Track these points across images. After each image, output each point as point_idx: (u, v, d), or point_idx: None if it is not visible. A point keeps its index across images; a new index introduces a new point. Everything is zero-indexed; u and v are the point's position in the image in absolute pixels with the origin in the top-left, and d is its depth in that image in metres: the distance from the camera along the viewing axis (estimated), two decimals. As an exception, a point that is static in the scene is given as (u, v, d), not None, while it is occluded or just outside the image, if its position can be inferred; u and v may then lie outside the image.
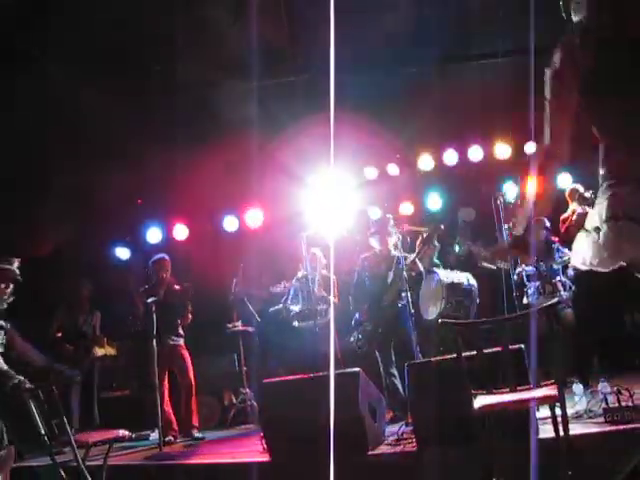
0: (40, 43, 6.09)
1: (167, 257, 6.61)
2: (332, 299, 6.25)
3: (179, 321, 6.42)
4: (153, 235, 8.22)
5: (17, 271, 4.51)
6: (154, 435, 6.20)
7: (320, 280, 6.48)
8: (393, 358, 5.57)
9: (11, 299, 4.51)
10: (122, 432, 4.24)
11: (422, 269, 5.89)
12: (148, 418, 6.26)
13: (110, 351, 7.23)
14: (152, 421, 5.99)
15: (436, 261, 6.41)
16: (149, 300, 5.98)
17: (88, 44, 6.10)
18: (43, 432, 3.80)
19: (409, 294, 5.53)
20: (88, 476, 3.77)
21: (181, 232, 8.11)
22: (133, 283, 7.76)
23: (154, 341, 5.78)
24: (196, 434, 6.12)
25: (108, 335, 7.32)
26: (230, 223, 8.04)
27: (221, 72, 6.44)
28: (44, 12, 5.83)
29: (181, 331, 6.45)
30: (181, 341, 6.40)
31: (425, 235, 5.72)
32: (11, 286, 4.47)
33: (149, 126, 7.14)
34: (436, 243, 5.84)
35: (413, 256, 5.70)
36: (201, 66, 6.49)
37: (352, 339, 5.90)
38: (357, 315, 5.93)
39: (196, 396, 6.32)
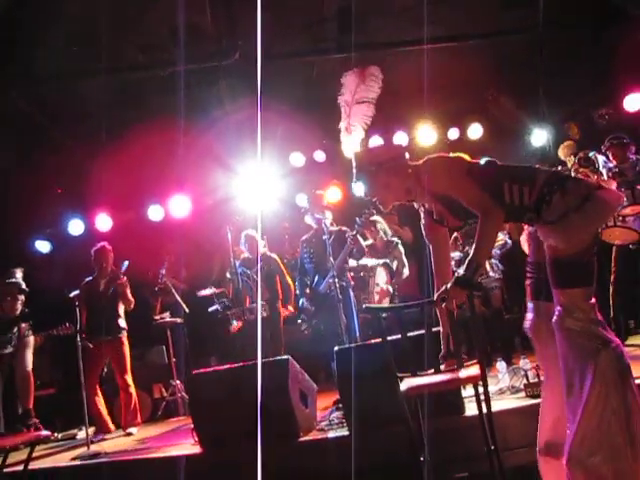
0: None
1: (108, 246, 6.38)
2: (260, 281, 6.21)
3: (121, 313, 6.25)
4: (75, 226, 7.91)
5: (21, 282, 4.32)
6: (82, 434, 6.02)
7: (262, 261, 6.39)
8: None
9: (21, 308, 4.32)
10: (44, 433, 4.05)
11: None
12: (76, 416, 6.06)
13: None
14: (79, 419, 5.81)
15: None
16: (72, 295, 5.78)
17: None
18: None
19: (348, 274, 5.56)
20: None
21: (104, 222, 7.84)
22: (56, 277, 7.50)
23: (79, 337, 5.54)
24: (130, 429, 6.00)
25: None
26: (155, 212, 7.83)
27: (142, 55, 6.23)
28: None
29: (123, 324, 6.27)
30: (123, 334, 6.22)
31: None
32: (20, 297, 4.29)
33: (69, 111, 6.86)
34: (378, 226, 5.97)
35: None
36: (122, 49, 6.25)
37: (299, 321, 5.91)
38: (302, 301, 5.93)
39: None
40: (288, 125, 6.68)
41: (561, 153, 6.60)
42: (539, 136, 7.58)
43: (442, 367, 2.90)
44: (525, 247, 3.09)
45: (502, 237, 6.08)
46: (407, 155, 3.05)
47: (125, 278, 6.03)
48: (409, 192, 2.97)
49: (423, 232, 3.12)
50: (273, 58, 6.22)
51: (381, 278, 6.24)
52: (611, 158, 5.74)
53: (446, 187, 2.85)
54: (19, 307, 4.28)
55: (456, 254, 5.67)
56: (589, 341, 2.66)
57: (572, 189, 2.75)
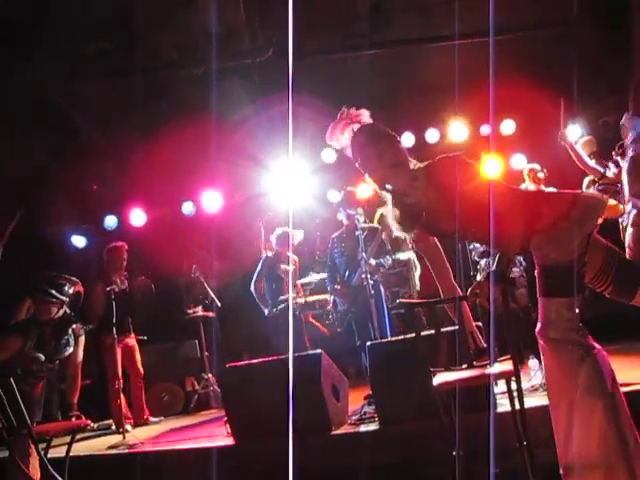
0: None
1: (125, 245, 6.46)
2: (290, 278, 6.24)
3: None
4: (110, 221, 8.07)
5: (56, 294, 4.41)
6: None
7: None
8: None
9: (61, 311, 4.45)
10: (83, 421, 4.18)
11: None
12: (110, 408, 6.21)
13: None
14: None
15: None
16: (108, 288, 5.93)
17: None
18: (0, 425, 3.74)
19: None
20: (51, 469, 3.72)
21: (138, 217, 7.99)
22: (91, 271, 7.66)
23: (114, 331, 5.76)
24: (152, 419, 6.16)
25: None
26: (188, 207, 7.95)
27: (177, 54, 6.32)
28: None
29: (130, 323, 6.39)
30: (132, 332, 6.37)
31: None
32: (53, 302, 4.40)
33: (104, 110, 6.99)
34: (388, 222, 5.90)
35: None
36: (157, 48, 6.36)
37: (327, 322, 5.91)
38: (333, 298, 5.93)
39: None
40: (320, 121, 6.70)
41: (580, 149, 6.50)
42: (573, 132, 7.48)
43: (475, 363, 2.90)
44: None
45: None
46: None
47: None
48: (415, 179, 2.84)
49: (410, 244, 3.05)
50: (305, 55, 6.25)
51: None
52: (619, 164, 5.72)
53: (467, 183, 2.75)
54: (54, 313, 4.39)
55: (477, 245, 5.65)
56: (573, 350, 2.63)
57: (557, 199, 2.80)
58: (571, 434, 2.63)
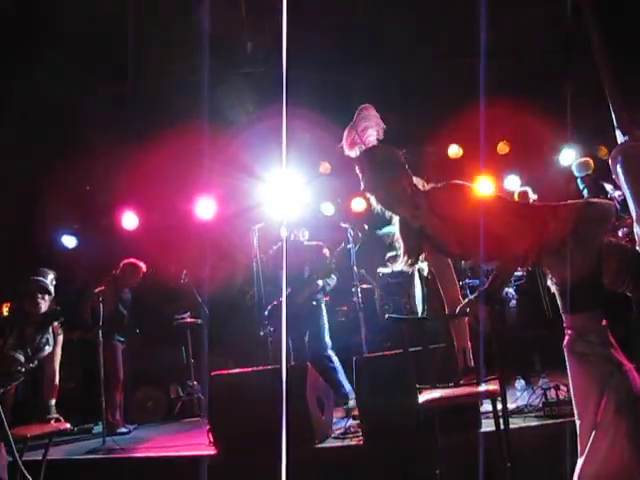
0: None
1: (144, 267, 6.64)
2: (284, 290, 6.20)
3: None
4: (102, 223, 8.04)
5: (47, 283, 4.38)
6: (97, 428, 6.11)
7: None
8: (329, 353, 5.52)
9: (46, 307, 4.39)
10: (62, 425, 4.11)
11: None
12: (93, 411, 6.15)
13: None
14: (96, 414, 5.90)
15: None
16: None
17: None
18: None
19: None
20: (25, 472, 3.66)
21: (131, 221, 7.95)
22: (80, 272, 7.63)
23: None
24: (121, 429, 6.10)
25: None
26: (180, 213, 7.91)
27: (171, 60, 6.32)
28: None
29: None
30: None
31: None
32: (42, 296, 4.34)
33: (100, 112, 6.97)
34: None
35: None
36: (154, 53, 6.36)
37: (261, 333, 5.82)
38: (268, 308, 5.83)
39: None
40: (315, 133, 6.71)
41: (576, 170, 6.53)
42: (567, 155, 7.54)
43: (461, 381, 2.89)
44: None
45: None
46: None
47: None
48: (417, 207, 2.86)
49: (422, 256, 3.04)
50: (300, 66, 6.25)
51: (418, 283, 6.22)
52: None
53: (470, 211, 2.76)
54: (42, 306, 4.33)
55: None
56: (602, 365, 2.63)
57: (563, 215, 2.76)
58: (592, 449, 2.61)
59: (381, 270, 6.56)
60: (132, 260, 6.60)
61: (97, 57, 6.45)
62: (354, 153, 2.90)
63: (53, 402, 4.24)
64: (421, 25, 6.24)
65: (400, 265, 3.04)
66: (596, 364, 2.65)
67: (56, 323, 4.39)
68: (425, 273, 6.02)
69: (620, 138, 3.02)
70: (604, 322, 2.71)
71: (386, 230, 6.44)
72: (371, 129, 2.92)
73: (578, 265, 2.66)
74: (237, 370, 4.78)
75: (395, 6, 6.11)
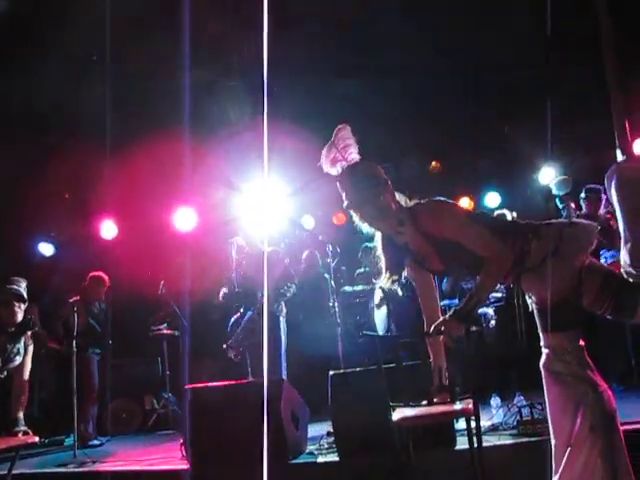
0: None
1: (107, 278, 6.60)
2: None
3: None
4: (80, 231, 7.95)
5: (22, 291, 4.30)
6: (68, 440, 6.01)
7: None
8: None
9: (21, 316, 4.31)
10: (30, 438, 4.02)
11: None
12: (65, 422, 6.04)
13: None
14: (69, 425, 5.80)
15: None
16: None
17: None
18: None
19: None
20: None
21: (109, 229, 7.86)
22: (57, 280, 7.54)
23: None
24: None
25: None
26: (159, 224, 7.84)
27: (158, 65, 6.28)
28: None
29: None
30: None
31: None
32: (18, 305, 4.27)
33: (79, 118, 6.91)
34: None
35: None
36: (138, 58, 6.31)
37: (224, 346, 5.70)
38: (233, 319, 5.76)
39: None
40: (297, 145, 6.71)
41: (555, 188, 6.56)
42: (547, 174, 7.59)
43: (435, 399, 2.88)
44: None
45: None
46: None
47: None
48: (401, 224, 2.84)
49: (405, 271, 3.01)
50: (282, 76, 6.24)
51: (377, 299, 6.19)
52: (584, 209, 5.81)
53: (452, 229, 2.76)
54: (18, 316, 4.27)
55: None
56: (577, 384, 2.64)
57: (545, 234, 2.76)
58: (566, 467, 2.61)
59: (346, 289, 6.50)
60: (95, 273, 6.56)
61: (82, 61, 6.40)
62: (335, 171, 2.88)
63: (21, 415, 4.14)
64: (411, 35, 6.25)
65: (382, 282, 3.01)
66: (572, 384, 2.65)
67: (28, 333, 4.32)
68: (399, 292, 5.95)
69: (619, 157, 3.06)
70: (581, 342, 2.72)
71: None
72: (351, 147, 2.91)
73: (558, 285, 2.66)
74: (212, 384, 4.72)
75: (384, 14, 6.12)
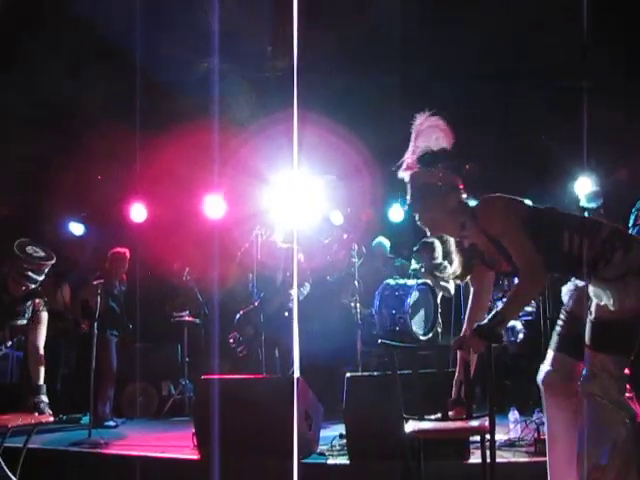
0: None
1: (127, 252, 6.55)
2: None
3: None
4: (111, 213, 8.01)
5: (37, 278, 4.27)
6: (86, 419, 6.06)
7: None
8: None
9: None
10: (45, 416, 4.03)
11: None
12: (84, 400, 6.09)
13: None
14: (87, 403, 5.85)
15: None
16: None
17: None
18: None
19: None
20: (1, 462, 3.59)
21: (139, 213, 7.90)
22: (84, 259, 7.64)
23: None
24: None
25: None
26: (188, 210, 7.85)
27: (190, 56, 6.27)
28: None
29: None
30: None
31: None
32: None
33: (116, 104, 6.95)
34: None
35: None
36: (169, 48, 6.32)
37: (231, 340, 5.67)
38: (238, 315, 5.71)
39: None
40: (328, 139, 6.63)
41: (584, 200, 6.32)
42: (584, 183, 7.37)
43: (450, 413, 2.79)
44: (565, 298, 2.92)
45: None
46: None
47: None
48: (463, 227, 2.80)
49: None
50: (313, 71, 6.16)
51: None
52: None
53: (499, 232, 2.68)
54: (23, 289, 4.25)
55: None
56: (615, 412, 2.51)
57: (636, 250, 2.59)
58: None
59: (389, 282, 6.36)
60: (116, 249, 6.53)
61: (112, 53, 6.42)
62: (406, 177, 2.87)
63: (41, 382, 4.12)
64: (456, 36, 6.13)
65: (448, 278, 3.02)
66: (609, 410, 2.52)
67: (38, 300, 4.28)
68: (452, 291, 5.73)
69: None
70: (627, 371, 2.59)
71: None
72: (419, 148, 2.86)
73: (630, 306, 2.51)
74: (228, 375, 4.71)
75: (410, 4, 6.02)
